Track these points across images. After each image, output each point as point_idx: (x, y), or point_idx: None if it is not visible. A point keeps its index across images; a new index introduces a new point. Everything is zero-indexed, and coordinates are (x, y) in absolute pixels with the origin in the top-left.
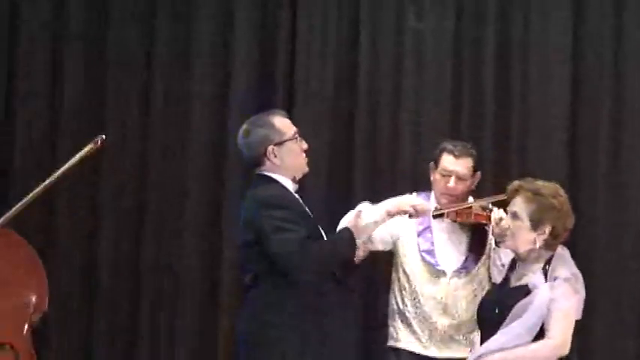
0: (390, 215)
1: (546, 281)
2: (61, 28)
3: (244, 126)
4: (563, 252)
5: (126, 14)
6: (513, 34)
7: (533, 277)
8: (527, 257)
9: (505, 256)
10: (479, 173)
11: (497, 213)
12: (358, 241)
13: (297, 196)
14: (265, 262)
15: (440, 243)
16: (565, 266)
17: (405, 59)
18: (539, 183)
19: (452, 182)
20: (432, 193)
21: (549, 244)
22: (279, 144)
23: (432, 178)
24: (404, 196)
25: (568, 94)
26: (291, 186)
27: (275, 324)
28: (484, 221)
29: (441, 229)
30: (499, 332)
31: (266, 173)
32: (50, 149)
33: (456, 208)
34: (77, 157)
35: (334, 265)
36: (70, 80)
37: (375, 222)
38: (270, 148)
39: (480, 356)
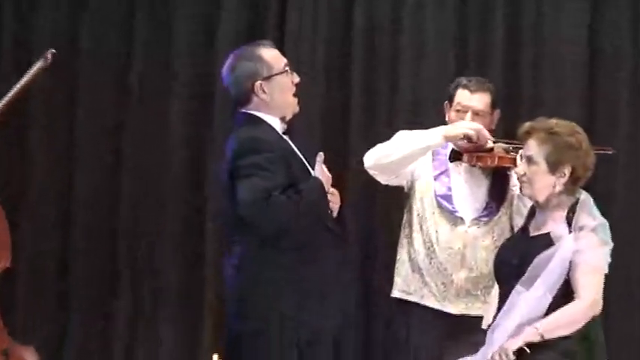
0: (448, 139)
1: (570, 231)
2: (37, 28)
3: (229, 60)
4: (587, 199)
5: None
6: (524, 31)
7: (555, 225)
8: (546, 205)
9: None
10: (498, 111)
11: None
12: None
13: (285, 137)
14: None
15: (458, 188)
16: (591, 215)
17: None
18: (553, 121)
19: (468, 119)
20: None
21: (570, 189)
22: (268, 78)
23: (446, 118)
24: (459, 122)
25: (584, 88)
26: (279, 126)
27: (272, 280)
28: (508, 164)
29: (458, 172)
30: (522, 299)
31: (251, 112)
32: (22, 154)
33: (478, 147)
34: (28, 74)
35: (302, 219)
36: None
37: (428, 147)
38: (257, 83)
39: (511, 334)
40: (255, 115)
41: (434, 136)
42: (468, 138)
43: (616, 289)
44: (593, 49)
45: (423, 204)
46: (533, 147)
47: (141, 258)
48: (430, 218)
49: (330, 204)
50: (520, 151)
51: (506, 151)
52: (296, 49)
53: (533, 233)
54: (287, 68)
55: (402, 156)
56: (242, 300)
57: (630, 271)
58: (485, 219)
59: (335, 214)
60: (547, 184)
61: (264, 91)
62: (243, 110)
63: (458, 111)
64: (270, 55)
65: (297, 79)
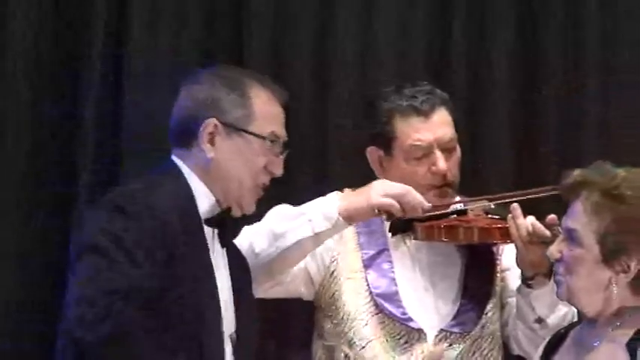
0: (351, 218)
1: None
2: None
3: (199, 74)
4: None
5: None
6: None
7: (609, 355)
8: (597, 317)
9: (541, 304)
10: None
11: (522, 222)
12: None
13: (205, 228)
14: None
15: (409, 279)
16: None
17: None
18: (622, 173)
19: (441, 162)
20: None
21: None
22: (232, 127)
23: (380, 171)
24: (373, 183)
25: None
26: (207, 203)
27: None
28: (496, 240)
29: (407, 253)
30: None
31: (177, 160)
32: None
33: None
34: None
35: None
36: None
37: (317, 237)
38: (211, 121)
39: None
40: (177, 166)
41: (322, 215)
42: (386, 212)
43: None
44: None
45: (347, 313)
46: (579, 215)
47: None
48: (365, 335)
49: None
50: (516, 211)
51: (487, 212)
52: None
53: None
54: (276, 138)
55: (267, 255)
56: None
57: None
58: (459, 330)
59: None
60: (597, 282)
61: (211, 141)
62: (174, 154)
63: (418, 158)
64: (266, 105)
65: (279, 169)
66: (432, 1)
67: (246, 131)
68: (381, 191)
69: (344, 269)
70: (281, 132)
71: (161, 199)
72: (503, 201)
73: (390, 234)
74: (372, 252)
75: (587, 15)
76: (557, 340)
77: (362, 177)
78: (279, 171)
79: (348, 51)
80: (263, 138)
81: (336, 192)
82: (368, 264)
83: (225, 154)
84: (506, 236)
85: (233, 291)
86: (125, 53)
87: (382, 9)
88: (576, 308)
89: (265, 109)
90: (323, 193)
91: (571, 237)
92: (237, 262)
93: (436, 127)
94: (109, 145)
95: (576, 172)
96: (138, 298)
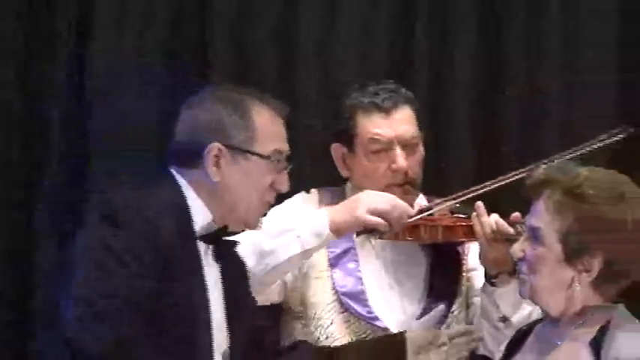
0: (338, 233)
1: None
2: None
3: (200, 95)
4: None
5: None
6: None
7: (573, 354)
8: (560, 315)
9: (505, 302)
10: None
11: (486, 219)
12: None
13: (200, 245)
14: None
15: (374, 278)
16: (638, 340)
17: None
18: (584, 172)
19: (400, 159)
20: (348, 189)
21: (603, 292)
22: (237, 150)
23: (343, 172)
24: (360, 197)
25: None
26: (203, 220)
27: None
28: (460, 238)
29: (372, 251)
30: None
31: (175, 172)
32: None
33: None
34: None
35: None
36: None
37: (304, 253)
38: (216, 145)
39: None
40: (176, 181)
41: (311, 231)
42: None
43: None
44: None
45: (314, 312)
46: (542, 214)
47: None
48: (328, 335)
49: None
50: (480, 211)
51: (452, 211)
52: None
53: None
54: (279, 157)
55: (256, 273)
56: None
57: None
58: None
59: None
60: (560, 281)
61: (217, 164)
62: (173, 169)
63: (376, 152)
64: (267, 122)
65: (284, 185)
66: (395, 3)
67: (250, 152)
68: (369, 206)
69: (312, 268)
70: (284, 147)
71: (155, 206)
72: (480, 192)
73: (355, 234)
74: (338, 250)
75: (550, 17)
76: (520, 336)
77: (333, 177)
78: (284, 187)
79: (310, 51)
80: (268, 158)
81: (302, 192)
82: (334, 263)
83: (232, 177)
84: (470, 234)
85: (228, 306)
86: (87, 53)
87: (345, 9)
88: (539, 307)
89: (267, 127)
90: (292, 194)
91: (534, 235)
92: (236, 274)
93: (397, 124)
94: (77, 145)
95: (540, 171)
96: (137, 301)
